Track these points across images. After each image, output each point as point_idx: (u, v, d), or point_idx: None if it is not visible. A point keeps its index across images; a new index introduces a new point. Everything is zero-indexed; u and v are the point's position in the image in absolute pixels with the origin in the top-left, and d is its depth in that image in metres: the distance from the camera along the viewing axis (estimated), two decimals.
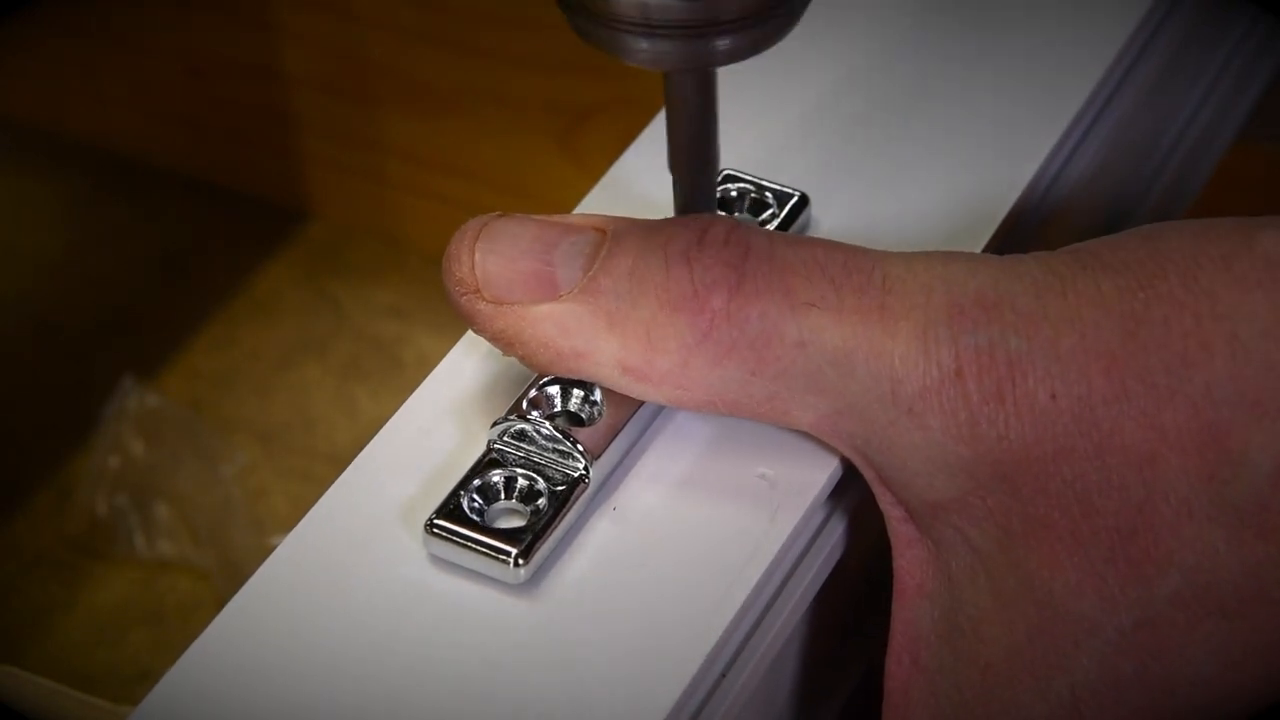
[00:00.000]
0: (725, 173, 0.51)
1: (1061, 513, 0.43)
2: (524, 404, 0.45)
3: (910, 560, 0.45)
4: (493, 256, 0.46)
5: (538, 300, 0.45)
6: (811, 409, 0.45)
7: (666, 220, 0.46)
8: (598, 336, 0.45)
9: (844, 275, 0.44)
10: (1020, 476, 0.43)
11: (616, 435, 0.45)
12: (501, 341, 0.45)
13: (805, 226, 0.51)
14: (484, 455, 0.45)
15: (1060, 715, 0.45)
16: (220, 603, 0.43)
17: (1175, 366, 0.42)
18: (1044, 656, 0.44)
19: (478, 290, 0.45)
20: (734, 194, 0.51)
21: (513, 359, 0.46)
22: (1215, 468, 0.42)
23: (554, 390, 0.46)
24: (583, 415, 0.46)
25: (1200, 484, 0.42)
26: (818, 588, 0.48)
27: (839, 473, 0.46)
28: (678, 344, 0.44)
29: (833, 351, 0.44)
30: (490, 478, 0.45)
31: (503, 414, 0.45)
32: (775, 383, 0.44)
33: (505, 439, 0.45)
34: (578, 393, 0.46)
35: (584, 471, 0.45)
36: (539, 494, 0.44)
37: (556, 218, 0.46)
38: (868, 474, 0.46)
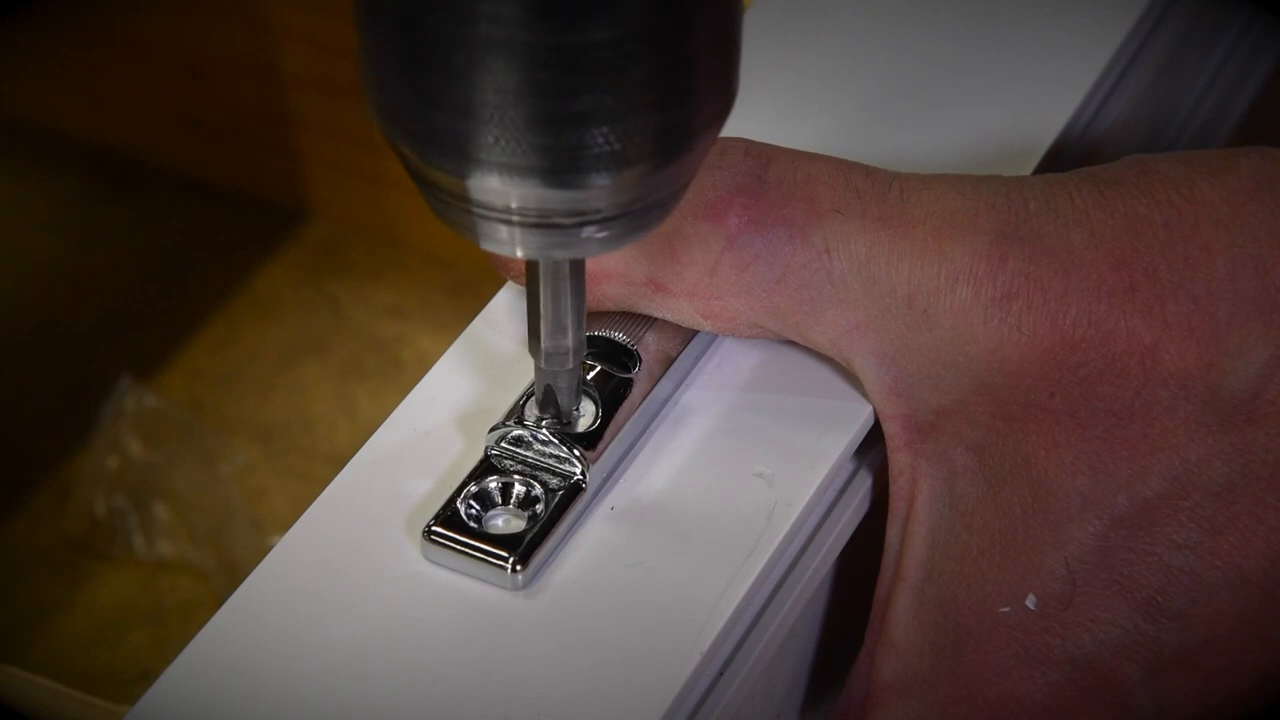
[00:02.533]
0: None
1: (1062, 396, 0.44)
2: (521, 408, 0.45)
3: (903, 485, 0.46)
4: None
5: None
6: (830, 326, 0.45)
7: None
8: (625, 256, 0.45)
9: (866, 184, 0.45)
10: (1026, 367, 0.44)
11: (614, 438, 0.45)
12: None
13: None
14: (481, 461, 0.45)
15: (1054, 589, 0.45)
16: (220, 603, 0.43)
17: (1178, 265, 0.44)
18: (1038, 532, 0.45)
19: None
20: None
21: (508, 362, 0.46)
22: (1214, 358, 0.44)
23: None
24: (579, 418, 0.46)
25: (1198, 372, 0.44)
26: (815, 585, 0.48)
27: (837, 470, 0.46)
28: (703, 252, 0.45)
29: (856, 258, 0.45)
30: (487, 484, 0.45)
31: (500, 418, 0.45)
32: (799, 293, 0.45)
33: (503, 445, 0.45)
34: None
35: (581, 476, 0.45)
36: (536, 499, 0.44)
37: None
38: (878, 387, 0.46)
